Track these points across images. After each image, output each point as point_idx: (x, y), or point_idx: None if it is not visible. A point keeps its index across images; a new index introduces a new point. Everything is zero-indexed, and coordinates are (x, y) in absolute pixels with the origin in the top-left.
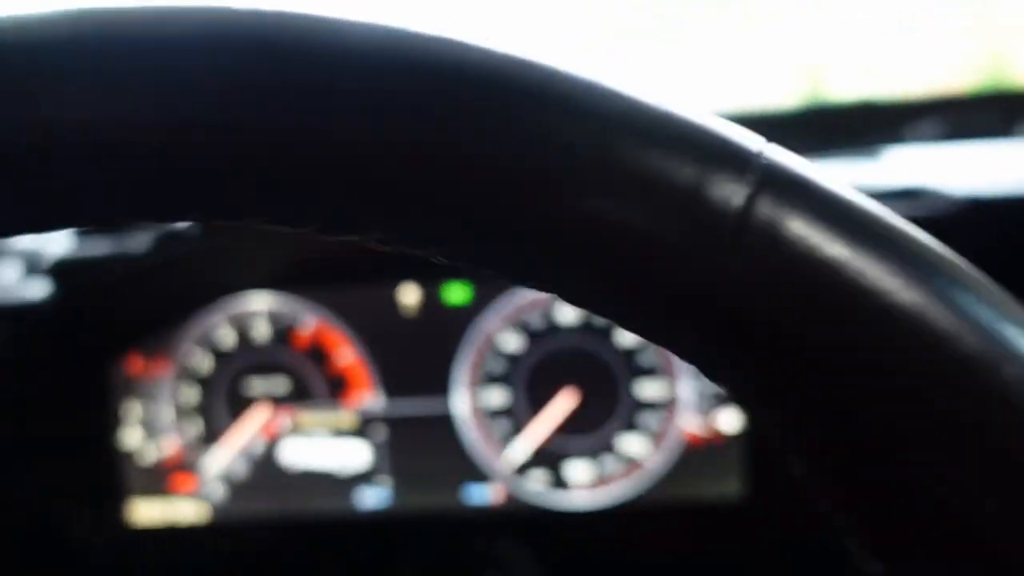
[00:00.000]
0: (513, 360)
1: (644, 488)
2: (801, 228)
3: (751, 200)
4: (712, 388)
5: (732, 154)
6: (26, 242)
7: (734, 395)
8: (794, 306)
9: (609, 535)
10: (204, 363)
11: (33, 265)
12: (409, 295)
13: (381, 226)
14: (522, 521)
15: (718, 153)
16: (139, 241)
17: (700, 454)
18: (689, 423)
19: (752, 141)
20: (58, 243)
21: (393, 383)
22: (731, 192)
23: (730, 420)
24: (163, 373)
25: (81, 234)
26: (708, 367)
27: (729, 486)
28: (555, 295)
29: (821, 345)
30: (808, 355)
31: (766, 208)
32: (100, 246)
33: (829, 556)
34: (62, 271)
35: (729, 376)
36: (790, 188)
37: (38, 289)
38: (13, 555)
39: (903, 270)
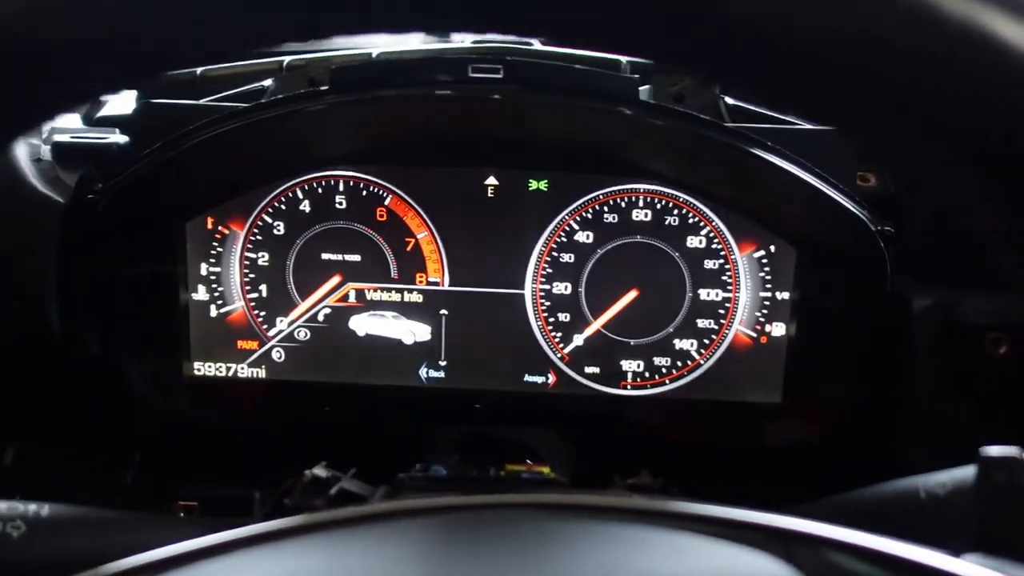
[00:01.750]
0: (582, 253)
1: (691, 385)
2: None
3: None
4: (765, 296)
5: None
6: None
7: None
8: None
9: (653, 426)
10: (278, 229)
11: (99, 115)
12: (488, 182)
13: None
14: (572, 407)
15: None
16: (221, 103)
17: (748, 357)
18: (741, 328)
19: None
20: (128, 97)
21: (462, 265)
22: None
23: (779, 327)
24: (236, 235)
25: (158, 91)
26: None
27: (771, 389)
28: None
29: None
30: None
31: None
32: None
33: (852, 455)
34: (137, 125)
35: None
36: None
37: (114, 138)
38: (79, 400)
39: None
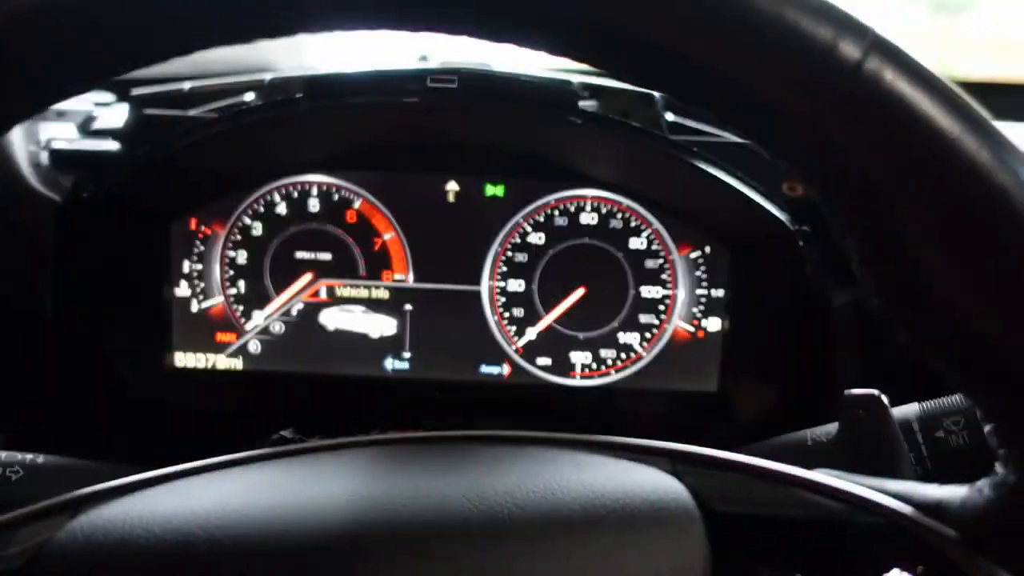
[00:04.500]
0: (535, 253)
1: (635, 376)
2: (893, 76)
3: (865, 54)
4: (701, 293)
5: (856, 25)
6: (83, 105)
7: (825, 186)
8: (883, 122)
9: (600, 413)
10: (256, 229)
11: (93, 127)
12: (449, 187)
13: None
14: (525, 395)
15: (847, 23)
16: (207, 113)
17: (686, 350)
18: (680, 323)
19: (868, 20)
20: (120, 111)
21: (425, 264)
22: (854, 48)
23: (714, 322)
24: (217, 235)
25: (148, 104)
26: (813, 166)
27: (708, 379)
28: (720, 111)
29: (890, 143)
30: (880, 152)
31: (874, 61)
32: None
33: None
34: (130, 133)
35: (823, 169)
36: (889, 51)
37: (108, 146)
38: (66, 386)
39: (951, 112)
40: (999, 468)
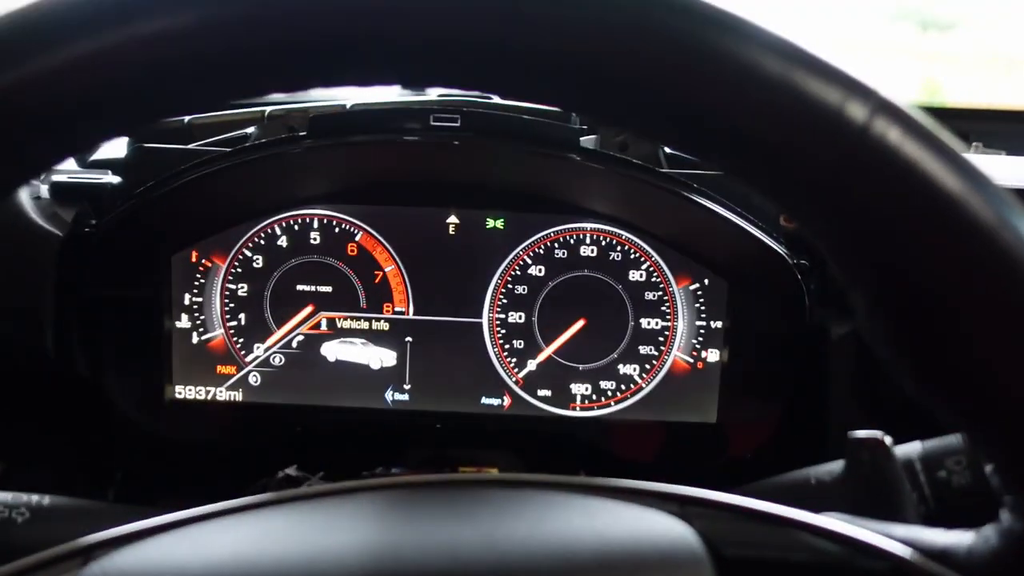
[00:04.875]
0: (535, 285)
1: (635, 407)
2: (898, 136)
3: (872, 116)
4: (700, 325)
5: (862, 88)
6: None
7: (835, 247)
8: (889, 182)
9: (600, 444)
10: (257, 262)
11: (92, 159)
12: (450, 220)
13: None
14: (525, 427)
15: (853, 85)
16: (207, 146)
17: (685, 381)
18: (679, 354)
19: (873, 82)
20: (119, 142)
21: (426, 296)
22: (860, 110)
23: (713, 354)
24: (218, 268)
25: (148, 136)
26: (820, 223)
27: (707, 410)
28: (737, 172)
29: (896, 203)
30: (886, 211)
31: (880, 122)
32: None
33: (781, 467)
34: (130, 166)
35: (832, 226)
36: (895, 113)
37: (107, 178)
38: (66, 418)
39: (954, 170)
40: (1004, 515)
